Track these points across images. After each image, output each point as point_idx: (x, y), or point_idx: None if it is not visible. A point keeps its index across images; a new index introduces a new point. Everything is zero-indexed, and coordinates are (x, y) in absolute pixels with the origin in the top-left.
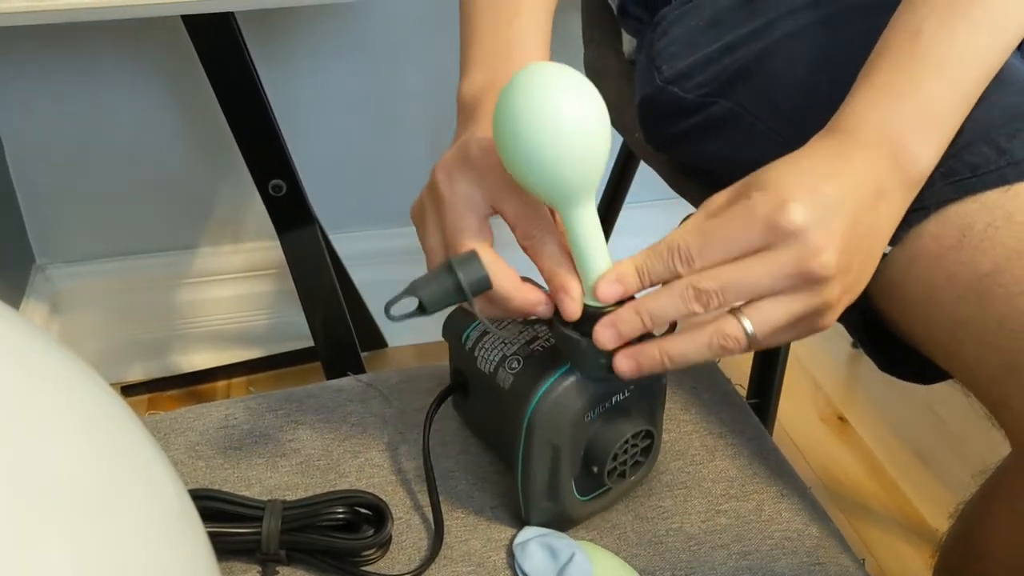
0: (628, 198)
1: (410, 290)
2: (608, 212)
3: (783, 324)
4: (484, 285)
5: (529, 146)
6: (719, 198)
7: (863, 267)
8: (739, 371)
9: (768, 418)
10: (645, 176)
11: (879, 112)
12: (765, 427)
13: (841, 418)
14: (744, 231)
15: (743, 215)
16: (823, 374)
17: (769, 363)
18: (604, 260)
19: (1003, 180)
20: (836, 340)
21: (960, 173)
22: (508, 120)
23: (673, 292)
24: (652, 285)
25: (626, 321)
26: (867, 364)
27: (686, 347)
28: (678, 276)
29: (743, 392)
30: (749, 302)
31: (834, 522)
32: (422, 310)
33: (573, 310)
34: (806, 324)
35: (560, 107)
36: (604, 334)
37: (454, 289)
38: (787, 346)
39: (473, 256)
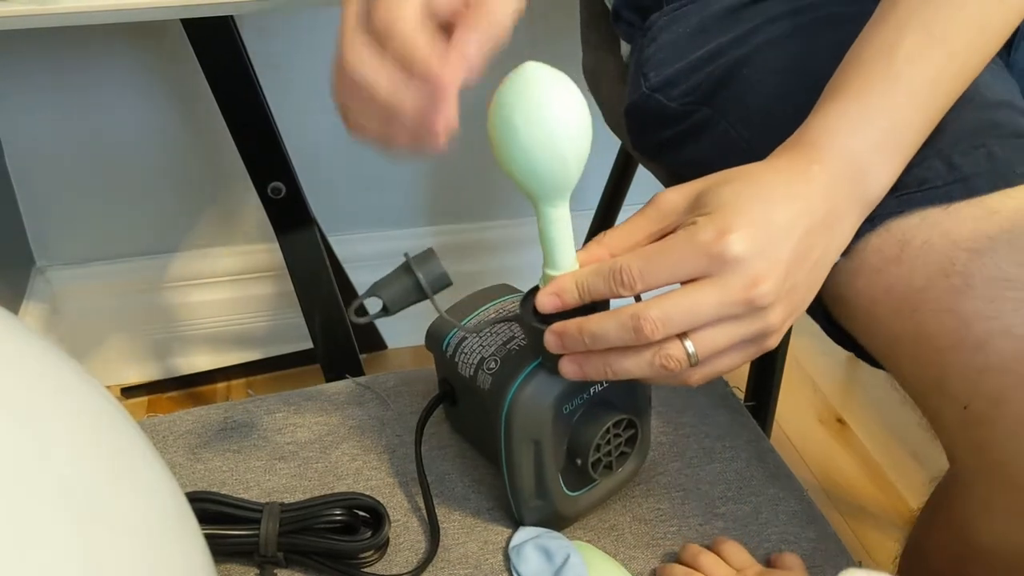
0: (626, 199)
1: (371, 291)
2: (607, 213)
3: (725, 347)
4: (443, 282)
5: (523, 144)
6: (669, 199)
7: (809, 288)
8: (737, 373)
9: (766, 421)
10: (643, 178)
11: (847, 131)
12: (763, 430)
13: (840, 420)
14: (686, 258)
15: (687, 242)
16: (822, 376)
17: (767, 366)
18: (571, 259)
19: (948, 197)
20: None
21: (908, 187)
22: (504, 117)
23: (617, 320)
24: (592, 300)
25: (569, 335)
26: (866, 366)
27: (629, 364)
28: (619, 296)
29: (741, 395)
30: None
31: (831, 524)
32: (385, 311)
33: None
34: (749, 348)
35: (555, 111)
36: (549, 340)
37: (414, 288)
38: (785, 348)
39: (431, 254)
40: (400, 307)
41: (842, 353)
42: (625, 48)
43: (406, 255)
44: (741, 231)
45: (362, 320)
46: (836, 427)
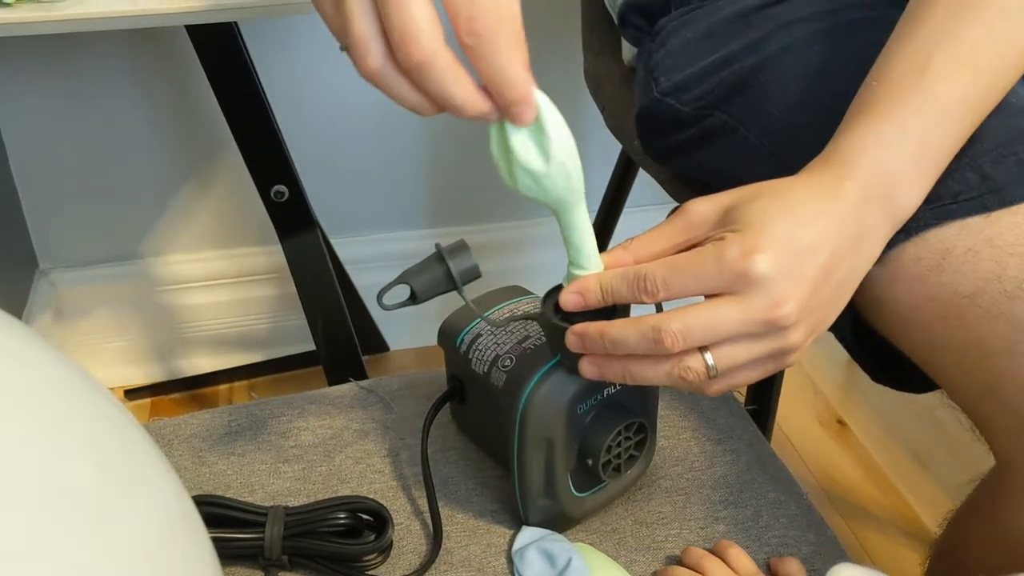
0: (628, 202)
1: (401, 279)
2: (608, 216)
3: (744, 362)
4: (473, 274)
5: (530, 172)
6: (699, 211)
7: (833, 306)
8: None
9: (766, 424)
10: (644, 180)
11: (878, 148)
12: (763, 433)
13: (840, 422)
14: (711, 273)
15: (713, 257)
16: (822, 378)
17: None
18: (595, 260)
19: (983, 208)
20: (835, 345)
21: (942, 199)
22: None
23: (639, 329)
24: (614, 303)
25: (590, 338)
26: None
27: (648, 372)
28: (640, 302)
29: (741, 399)
30: None
31: (832, 526)
32: (413, 298)
33: (529, 116)
34: (768, 364)
35: (553, 139)
36: (571, 339)
37: (444, 277)
38: None
39: (462, 245)
40: (428, 296)
41: (843, 355)
42: (628, 52)
43: (437, 245)
44: (767, 252)
45: (390, 307)
46: (836, 429)
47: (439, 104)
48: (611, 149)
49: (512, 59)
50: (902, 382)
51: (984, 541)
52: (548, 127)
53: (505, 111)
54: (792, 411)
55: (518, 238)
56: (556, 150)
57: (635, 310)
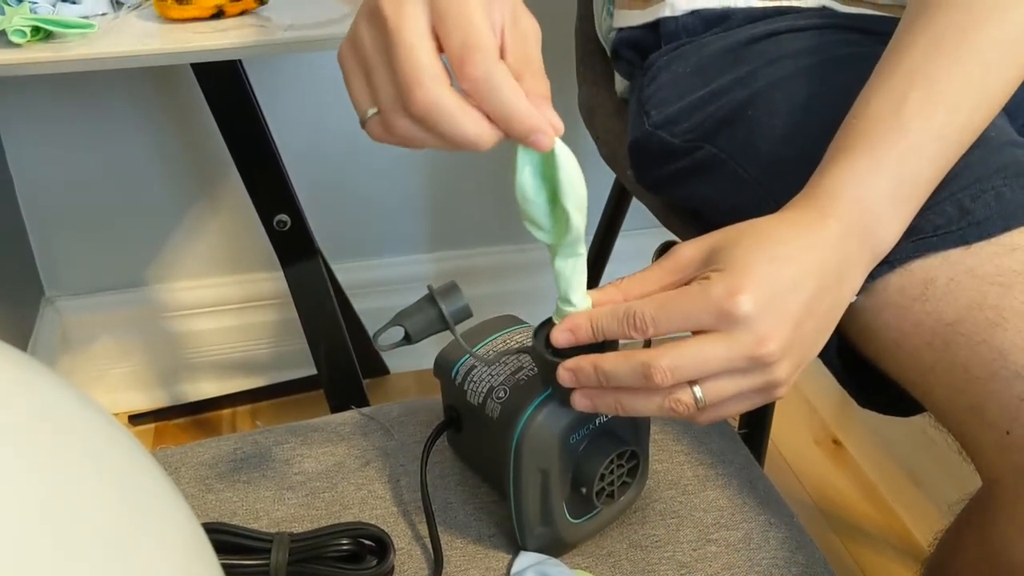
0: (623, 227)
1: (395, 320)
2: (604, 241)
3: (732, 395)
4: (465, 314)
5: (533, 203)
6: (686, 253)
7: (816, 340)
8: None
9: (759, 448)
10: (639, 206)
11: (857, 183)
12: (756, 457)
13: (836, 441)
14: (697, 312)
15: (699, 296)
16: (818, 397)
17: None
18: (583, 297)
19: (963, 240)
20: None
21: (923, 231)
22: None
23: (629, 364)
24: (604, 339)
25: (583, 372)
26: None
27: (639, 404)
28: (630, 338)
29: (735, 423)
30: None
31: (827, 545)
32: (408, 339)
33: (548, 142)
34: (756, 398)
35: (563, 179)
36: (563, 375)
37: (437, 318)
38: None
39: (453, 286)
40: (422, 336)
41: None
42: (620, 84)
43: (429, 287)
44: (750, 291)
45: (386, 348)
46: (832, 448)
47: (454, 145)
48: (607, 176)
49: (510, 96)
50: (889, 406)
51: (973, 560)
52: (560, 166)
53: (521, 141)
54: (788, 431)
55: (515, 262)
56: (565, 189)
57: (623, 343)
